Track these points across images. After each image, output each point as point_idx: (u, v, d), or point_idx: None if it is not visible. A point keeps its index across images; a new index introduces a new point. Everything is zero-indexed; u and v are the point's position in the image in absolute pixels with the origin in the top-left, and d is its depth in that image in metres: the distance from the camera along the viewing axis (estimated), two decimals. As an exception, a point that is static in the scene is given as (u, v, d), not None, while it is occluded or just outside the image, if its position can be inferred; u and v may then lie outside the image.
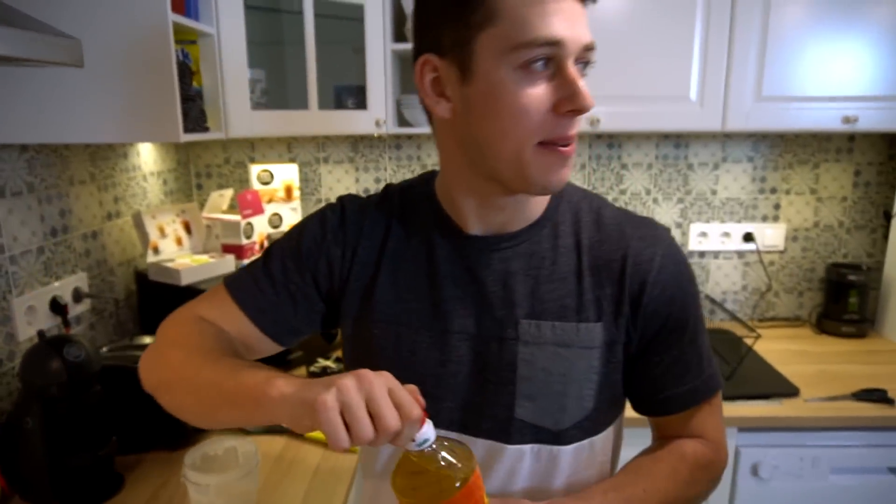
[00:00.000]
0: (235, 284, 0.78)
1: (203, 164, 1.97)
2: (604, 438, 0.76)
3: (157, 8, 1.07)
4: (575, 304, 0.70)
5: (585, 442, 0.73)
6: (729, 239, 1.93)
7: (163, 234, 1.57)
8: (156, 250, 1.55)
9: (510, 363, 0.70)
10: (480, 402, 0.72)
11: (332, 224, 0.78)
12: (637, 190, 1.94)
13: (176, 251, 1.59)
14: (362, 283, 0.76)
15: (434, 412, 0.66)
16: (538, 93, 0.61)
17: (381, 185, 0.85)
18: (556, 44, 0.60)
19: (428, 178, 0.79)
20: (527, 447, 0.72)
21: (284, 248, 0.78)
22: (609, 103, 1.52)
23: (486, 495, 0.62)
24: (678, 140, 1.90)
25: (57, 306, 1.30)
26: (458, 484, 0.57)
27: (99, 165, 1.49)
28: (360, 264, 0.77)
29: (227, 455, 0.89)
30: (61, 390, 1.06)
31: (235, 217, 1.62)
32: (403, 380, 0.57)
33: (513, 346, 0.70)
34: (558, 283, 0.71)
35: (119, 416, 1.17)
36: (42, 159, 1.30)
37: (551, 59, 0.61)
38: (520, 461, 0.72)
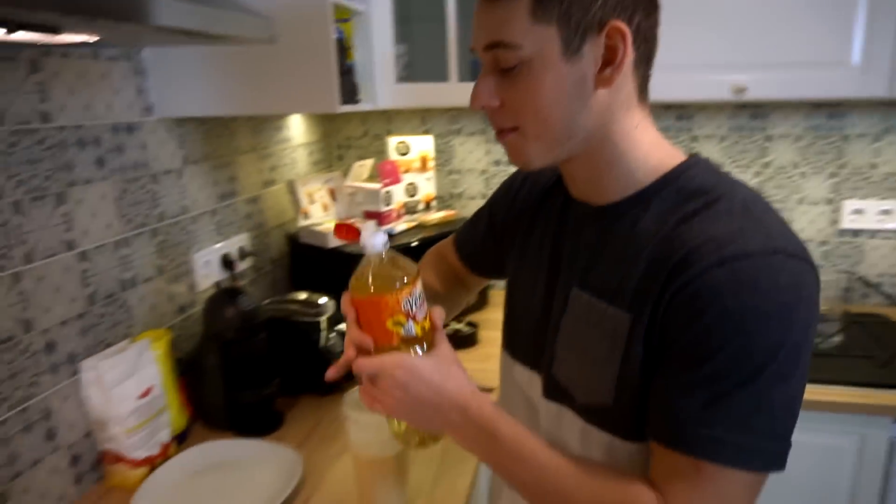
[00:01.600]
0: (462, 226, 1.01)
1: (344, 137, 2.10)
2: (635, 453, 0.66)
3: (320, -11, 1.17)
4: (616, 287, 0.66)
5: (606, 438, 0.68)
6: (889, 217, 1.78)
7: (312, 200, 1.71)
8: (305, 215, 1.69)
9: (556, 326, 0.73)
10: (540, 352, 0.77)
11: (516, 180, 0.90)
12: (783, 164, 1.83)
13: (323, 216, 1.72)
14: (515, 234, 0.86)
15: (520, 345, 0.81)
16: None
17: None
18: (472, 50, 0.68)
19: None
20: (554, 405, 0.74)
21: (490, 197, 0.96)
22: (756, 70, 1.44)
23: (425, 305, 0.72)
24: (832, 110, 1.76)
25: (227, 262, 1.46)
26: (405, 279, 0.70)
27: (258, 137, 1.64)
28: (519, 216, 0.86)
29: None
30: (235, 334, 1.20)
31: (376, 185, 1.73)
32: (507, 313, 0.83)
33: (562, 311, 0.73)
34: (615, 264, 0.67)
35: (279, 362, 1.30)
36: (216, 131, 1.45)
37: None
38: (547, 412, 0.76)
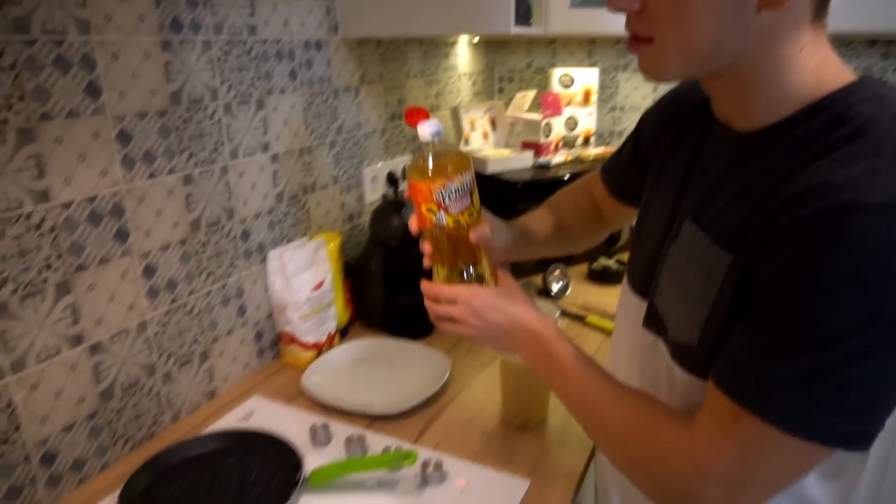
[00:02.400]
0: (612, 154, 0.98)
1: (507, 69, 2.10)
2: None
3: None
4: (726, 224, 0.60)
5: (686, 378, 0.65)
6: None
7: (473, 127, 1.75)
8: (466, 141, 1.73)
9: (665, 255, 0.70)
10: (650, 278, 0.74)
11: (665, 98, 0.84)
12: None
13: (483, 144, 1.76)
14: (657, 156, 0.81)
15: (635, 271, 0.80)
16: None
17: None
18: None
19: None
20: (650, 335, 0.73)
21: (642, 116, 0.90)
22: None
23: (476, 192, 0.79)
24: None
25: (392, 179, 1.56)
26: (446, 170, 0.75)
27: (427, 63, 1.70)
28: (662, 137, 0.80)
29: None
30: (398, 243, 1.29)
31: (536, 116, 1.73)
32: (633, 239, 0.81)
33: (673, 240, 0.69)
34: (733, 199, 0.61)
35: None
36: (390, 54, 1.53)
37: None
38: (643, 342, 0.74)
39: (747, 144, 0.61)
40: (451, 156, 0.77)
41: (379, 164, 1.54)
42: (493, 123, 1.81)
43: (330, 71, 1.33)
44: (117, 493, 0.86)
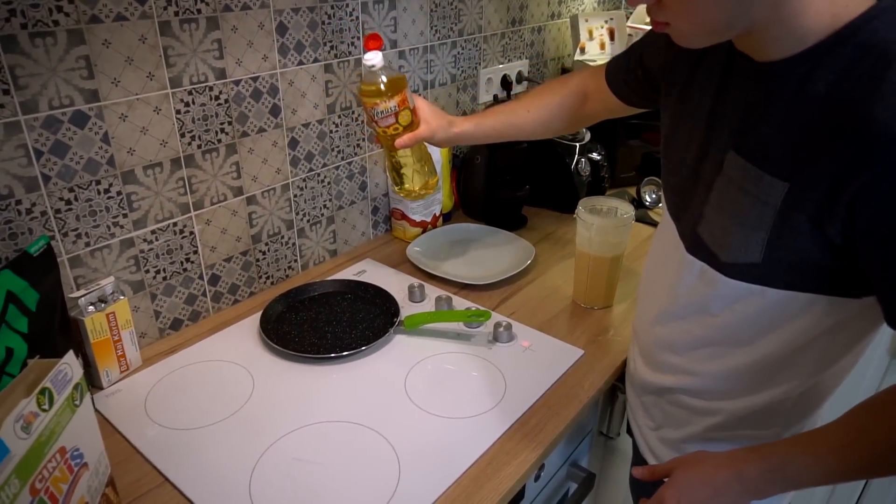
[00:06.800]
0: (614, 59, 1.01)
1: (637, -23, 2.07)
2: (787, 298, 0.69)
3: None
4: (776, 154, 0.64)
5: (754, 287, 0.70)
6: None
7: (591, 37, 1.80)
8: (582, 50, 1.79)
9: (709, 186, 0.73)
10: (685, 206, 0.78)
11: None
12: None
13: (598, 54, 1.81)
14: (672, 84, 0.82)
15: (670, 199, 0.83)
16: None
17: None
18: None
19: None
20: (697, 262, 0.76)
21: (643, 37, 0.93)
22: None
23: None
24: None
25: (505, 82, 1.67)
26: (403, 85, 0.98)
27: (554, -32, 1.74)
28: (675, 66, 0.82)
29: (608, 211, 1.14)
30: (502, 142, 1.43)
31: (656, 30, 1.73)
32: (663, 167, 0.82)
33: (716, 172, 0.72)
34: (776, 129, 0.64)
35: (534, 173, 1.52)
36: (517, -42, 1.59)
37: None
38: (689, 271, 0.78)
39: (774, 75, 0.64)
40: (388, 81, 0.97)
41: (496, 67, 1.65)
42: (612, 34, 1.84)
43: (458, -26, 1.44)
44: (259, 314, 1.12)
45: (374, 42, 0.96)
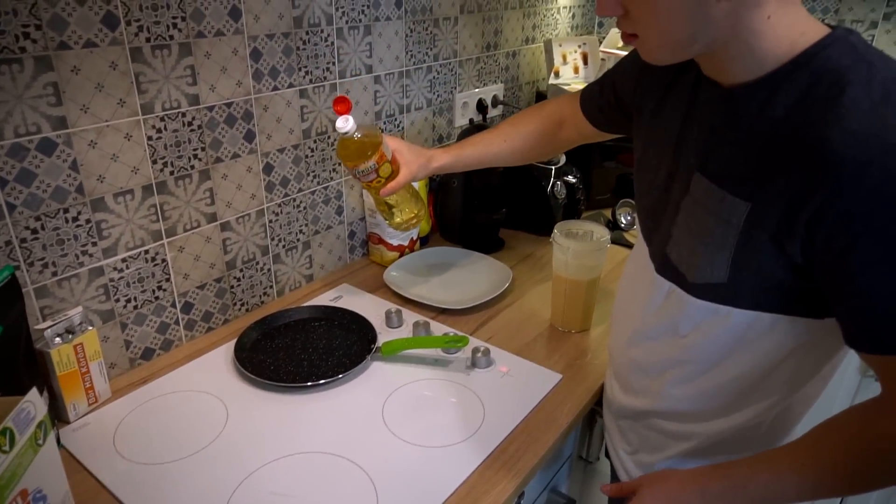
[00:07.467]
0: (588, 87, 1.03)
1: (609, 3, 2.11)
2: (752, 319, 0.70)
3: None
4: (738, 175, 0.66)
5: (721, 307, 0.71)
6: None
7: (565, 61, 1.82)
8: (556, 74, 1.81)
9: (676, 207, 0.75)
10: (656, 227, 0.80)
11: (641, 61, 0.84)
12: None
13: (572, 78, 1.84)
14: (643, 111, 0.84)
15: (643, 220, 0.84)
16: None
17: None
18: None
19: None
20: (666, 283, 0.77)
21: (615, 66, 0.95)
22: None
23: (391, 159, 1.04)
24: None
25: (481, 106, 1.68)
26: (378, 141, 1.01)
27: (528, -6, 1.77)
28: (647, 93, 0.83)
29: (584, 235, 1.15)
30: (478, 165, 1.44)
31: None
32: (636, 189, 0.85)
33: (683, 193, 0.73)
34: (737, 150, 0.66)
35: (510, 196, 1.53)
36: (491, -15, 1.62)
37: None
38: (659, 292, 0.79)
39: (737, 99, 0.67)
40: (363, 142, 1.00)
41: (471, 91, 1.66)
42: (586, 58, 1.87)
43: (432, 1, 1.45)
44: (233, 342, 1.10)
45: (342, 105, 0.97)
